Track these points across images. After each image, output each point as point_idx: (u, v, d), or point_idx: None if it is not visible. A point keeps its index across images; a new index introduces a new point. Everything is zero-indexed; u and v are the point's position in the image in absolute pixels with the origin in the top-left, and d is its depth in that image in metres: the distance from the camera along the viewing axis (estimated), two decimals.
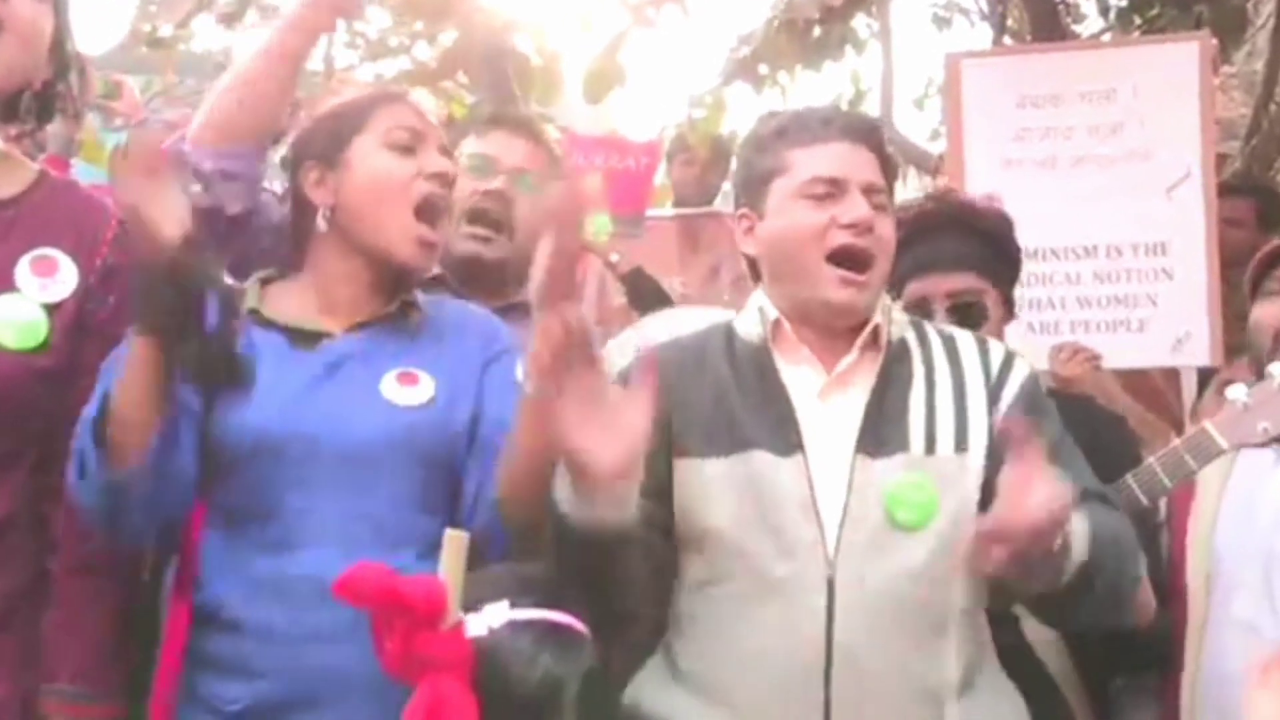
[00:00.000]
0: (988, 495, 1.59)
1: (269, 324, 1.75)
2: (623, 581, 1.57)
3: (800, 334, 1.74)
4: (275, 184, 1.97)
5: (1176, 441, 1.96)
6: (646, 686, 1.72)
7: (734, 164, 2.09)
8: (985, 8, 7.17)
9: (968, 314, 2.18)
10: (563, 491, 1.51)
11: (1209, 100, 3.34)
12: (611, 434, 1.44)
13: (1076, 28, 6.45)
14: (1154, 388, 3.25)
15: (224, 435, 1.69)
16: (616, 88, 4.44)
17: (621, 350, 2.11)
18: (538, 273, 1.48)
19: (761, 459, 1.66)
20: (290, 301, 1.79)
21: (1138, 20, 6.26)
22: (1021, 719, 1.74)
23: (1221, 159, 4.19)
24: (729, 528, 1.65)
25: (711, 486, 1.67)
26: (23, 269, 1.68)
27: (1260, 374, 1.94)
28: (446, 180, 1.82)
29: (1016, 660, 1.81)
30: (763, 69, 5.34)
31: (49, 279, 1.69)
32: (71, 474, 1.63)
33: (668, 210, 4.53)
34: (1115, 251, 3.27)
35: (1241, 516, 1.96)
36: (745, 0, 7.17)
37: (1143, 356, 3.22)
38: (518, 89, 4.55)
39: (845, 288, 1.70)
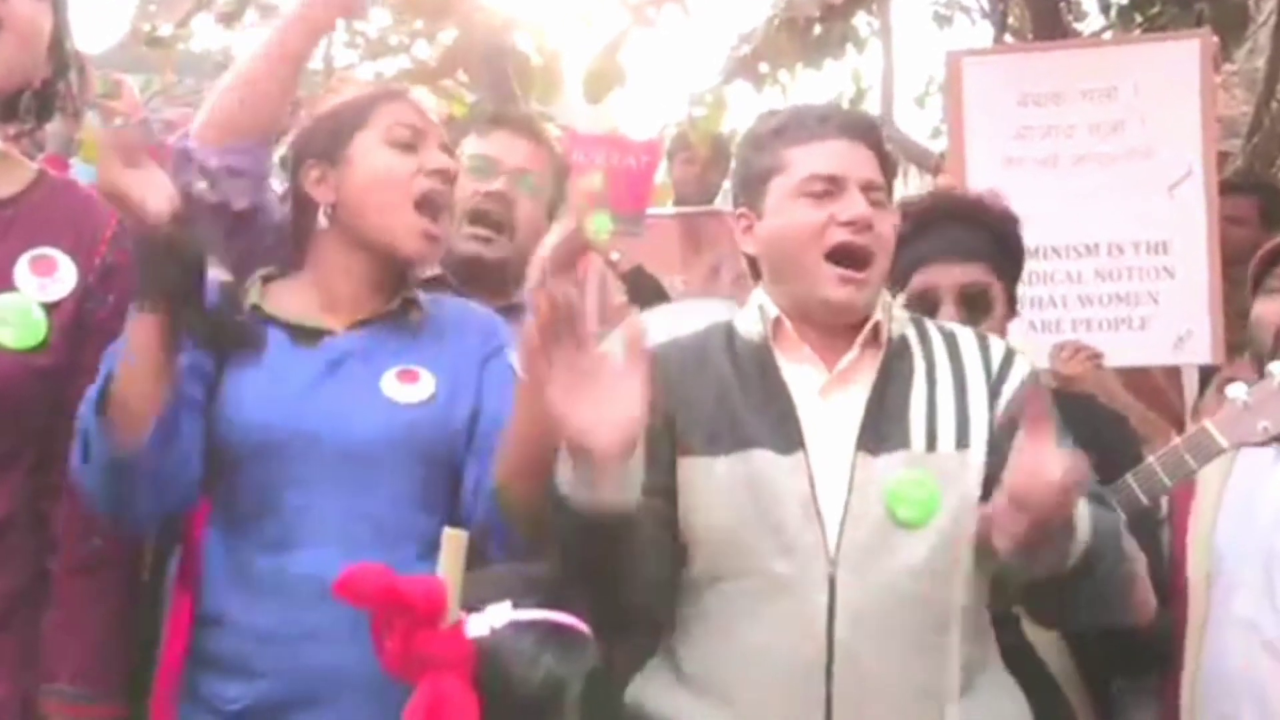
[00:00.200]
0: (989, 492, 1.58)
1: (270, 321, 1.76)
2: (628, 573, 1.57)
3: (801, 332, 1.74)
4: (276, 184, 1.97)
5: (1176, 440, 1.96)
6: (647, 685, 1.72)
7: (733, 163, 2.08)
8: (986, 6, 7.17)
9: (975, 305, 2.16)
10: (564, 475, 1.51)
11: (1210, 98, 3.33)
12: (608, 411, 1.45)
13: (1078, 25, 6.45)
14: (1155, 386, 3.24)
15: (226, 431, 1.69)
16: (616, 88, 4.44)
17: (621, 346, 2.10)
18: (541, 256, 1.48)
19: (763, 457, 1.66)
20: (292, 299, 1.79)
21: (1139, 18, 6.26)
22: (1024, 719, 1.73)
23: (1223, 157, 4.18)
24: (730, 526, 1.65)
25: (713, 485, 1.66)
26: (21, 268, 1.68)
27: (1261, 372, 1.93)
28: (448, 177, 1.82)
29: (1017, 660, 1.80)
30: (763, 67, 5.34)
31: (48, 278, 1.69)
32: (75, 457, 1.63)
33: (669, 209, 4.52)
34: (1117, 250, 3.26)
35: (1242, 515, 1.96)
36: None
37: (1144, 355, 3.21)
38: (518, 88, 4.55)
39: (844, 285, 1.70)
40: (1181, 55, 3.34)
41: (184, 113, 2.73)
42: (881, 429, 1.67)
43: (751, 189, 1.78)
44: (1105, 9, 6.50)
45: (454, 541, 1.38)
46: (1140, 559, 1.77)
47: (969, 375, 1.73)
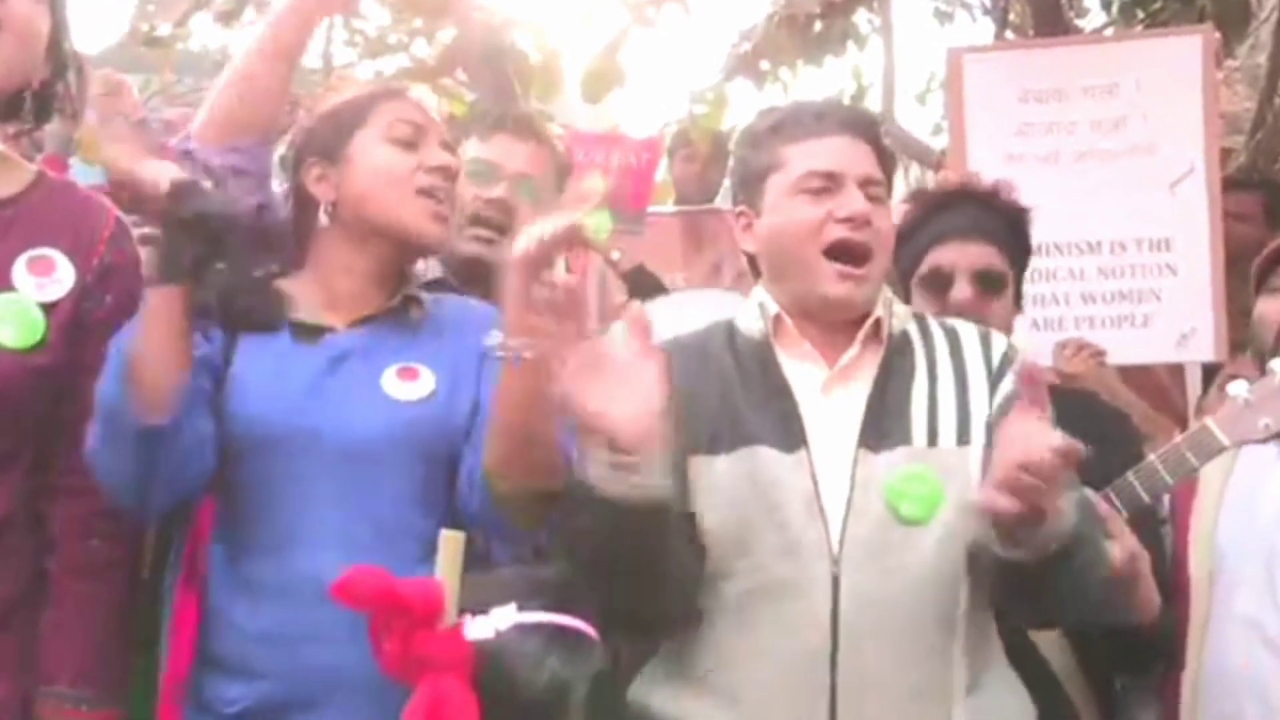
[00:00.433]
0: None
1: None
2: (661, 569, 1.56)
3: (802, 329, 1.74)
4: (276, 184, 1.97)
5: (1178, 438, 1.96)
6: (651, 685, 1.71)
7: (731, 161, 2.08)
8: (988, 2, 7.15)
9: (988, 285, 2.14)
10: (593, 468, 1.49)
11: (1212, 94, 3.32)
12: (625, 394, 1.44)
13: (1079, 22, 6.43)
14: (1158, 384, 3.24)
15: (229, 424, 1.69)
16: (616, 88, 4.44)
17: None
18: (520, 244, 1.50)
19: (765, 455, 1.66)
20: (293, 297, 1.79)
21: (1140, 14, 6.24)
22: (1029, 717, 1.73)
23: (1225, 154, 4.17)
24: (733, 524, 1.65)
25: (716, 483, 1.66)
26: (20, 268, 1.68)
27: (1264, 370, 1.93)
28: (449, 174, 1.82)
29: (1020, 658, 1.80)
30: (764, 65, 5.34)
31: (46, 278, 1.69)
32: (91, 439, 1.62)
33: (669, 207, 4.52)
34: (1119, 247, 3.25)
35: (1243, 513, 1.96)
36: None
37: (1147, 352, 3.20)
38: (517, 86, 4.54)
39: (843, 282, 1.69)
40: (1183, 51, 3.33)
41: (183, 112, 2.73)
42: (883, 425, 1.67)
43: (750, 187, 1.78)
44: (1107, 5, 6.48)
45: (452, 543, 1.37)
46: (1144, 556, 1.77)
47: (970, 371, 1.73)
